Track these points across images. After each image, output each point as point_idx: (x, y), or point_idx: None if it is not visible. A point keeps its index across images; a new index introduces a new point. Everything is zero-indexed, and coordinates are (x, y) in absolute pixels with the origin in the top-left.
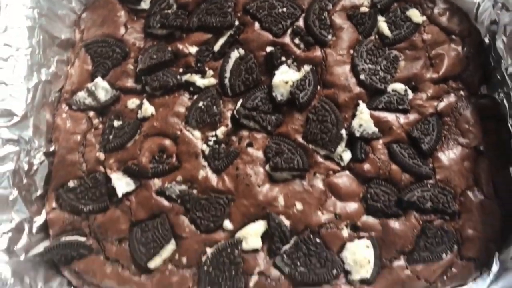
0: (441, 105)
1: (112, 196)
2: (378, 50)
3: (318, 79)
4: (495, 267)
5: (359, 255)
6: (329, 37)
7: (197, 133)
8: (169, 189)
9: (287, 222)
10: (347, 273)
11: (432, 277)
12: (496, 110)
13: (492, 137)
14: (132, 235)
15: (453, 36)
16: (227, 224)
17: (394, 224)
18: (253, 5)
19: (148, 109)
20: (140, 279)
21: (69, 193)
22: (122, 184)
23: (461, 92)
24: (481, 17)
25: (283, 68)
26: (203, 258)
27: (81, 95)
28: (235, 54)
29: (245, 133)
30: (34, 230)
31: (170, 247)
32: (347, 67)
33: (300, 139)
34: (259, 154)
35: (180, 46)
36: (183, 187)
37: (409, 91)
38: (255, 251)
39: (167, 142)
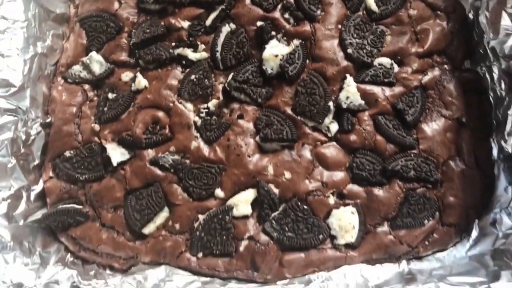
0: (426, 78)
1: (107, 165)
2: (365, 25)
3: (307, 53)
4: (474, 233)
5: (345, 221)
6: (318, 12)
7: (190, 105)
8: (162, 158)
9: (276, 190)
10: (333, 238)
11: (414, 242)
12: (478, 83)
13: (474, 110)
14: (127, 203)
15: (439, 12)
16: (219, 192)
17: (379, 191)
18: None
19: (141, 82)
20: (135, 244)
21: (65, 163)
22: (116, 154)
23: (445, 66)
24: None
25: (273, 42)
26: (195, 224)
27: (76, 68)
28: (226, 29)
29: (236, 105)
30: (32, 198)
31: (164, 214)
32: (335, 42)
33: (289, 111)
34: (250, 125)
35: (173, 21)
36: (176, 157)
37: (395, 65)
38: (245, 217)
39: (160, 114)
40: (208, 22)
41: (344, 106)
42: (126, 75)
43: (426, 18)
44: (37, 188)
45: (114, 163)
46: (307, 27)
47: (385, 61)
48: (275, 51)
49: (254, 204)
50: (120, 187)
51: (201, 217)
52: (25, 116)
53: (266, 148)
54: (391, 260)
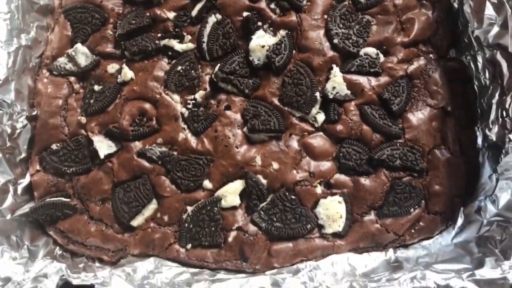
0: (411, 68)
1: (94, 158)
2: (351, 15)
3: (294, 44)
4: (459, 221)
5: (332, 211)
6: (304, 2)
7: (176, 97)
8: (149, 150)
9: (264, 181)
10: (320, 227)
11: (401, 230)
12: (463, 72)
13: (459, 98)
14: (114, 195)
15: (424, 1)
16: (207, 183)
17: (365, 181)
18: None
19: (127, 73)
20: (124, 237)
21: (52, 156)
22: (103, 146)
23: (431, 56)
24: None
25: (260, 32)
26: (184, 216)
27: (62, 60)
28: (212, 19)
29: (223, 96)
30: (19, 191)
31: (152, 206)
32: (321, 32)
33: (276, 101)
34: (237, 116)
35: (158, 12)
36: (164, 149)
37: (381, 55)
38: (234, 208)
39: (147, 105)
40: (194, 12)
41: (331, 96)
42: (112, 67)
43: (411, 7)
44: (24, 181)
45: (101, 156)
46: (293, 17)
47: (371, 51)
48: (262, 41)
49: (243, 195)
50: (108, 180)
51: (189, 208)
52: (10, 110)
53: (254, 139)
54: (378, 249)
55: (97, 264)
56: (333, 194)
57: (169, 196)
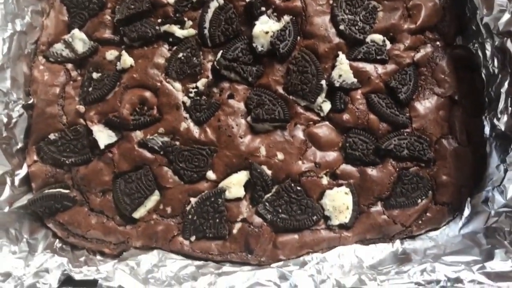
0: (418, 55)
1: (94, 148)
2: (357, 0)
3: (298, 30)
4: (466, 211)
5: (338, 202)
6: None
7: (178, 85)
8: (151, 140)
9: (268, 172)
10: (326, 219)
11: (408, 221)
12: (470, 60)
13: (466, 87)
14: (115, 187)
15: None
16: (210, 174)
17: (372, 171)
18: None
19: (127, 60)
20: (126, 229)
21: (50, 146)
22: (103, 136)
23: (438, 43)
24: None
25: (263, 18)
26: (187, 208)
27: (58, 47)
28: (214, 4)
29: (226, 84)
30: (16, 183)
31: (155, 197)
32: (327, 18)
33: (281, 90)
34: (241, 105)
35: None
36: (165, 138)
37: (387, 42)
38: (238, 199)
39: (148, 94)
40: None
41: (337, 84)
42: (111, 54)
43: None
44: (22, 172)
45: (101, 146)
46: (297, 2)
47: (378, 37)
48: (265, 27)
49: (247, 186)
50: (108, 171)
51: (193, 200)
52: (6, 98)
53: (258, 129)
54: (384, 240)
55: (98, 257)
56: (339, 185)
57: (172, 187)
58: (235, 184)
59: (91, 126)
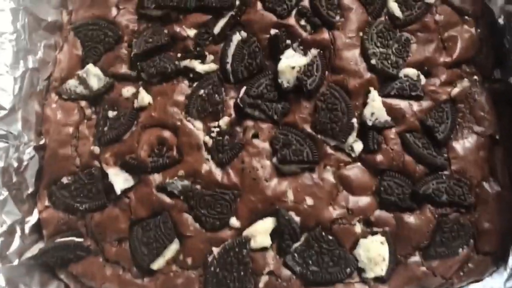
0: (455, 91)
1: (109, 193)
2: (388, 32)
3: (326, 64)
4: (511, 261)
5: (374, 252)
6: (337, 18)
7: (199, 124)
8: (170, 184)
9: (297, 218)
10: (360, 271)
11: (449, 273)
12: (510, 95)
13: (506, 124)
14: (132, 235)
15: (466, 17)
16: (234, 221)
17: (409, 218)
18: None
19: (145, 98)
20: (143, 282)
21: (62, 190)
22: (120, 180)
23: (475, 77)
24: None
25: (289, 52)
26: (210, 258)
27: (72, 83)
28: (237, 37)
29: (250, 123)
30: (26, 231)
31: (174, 246)
32: (357, 51)
33: (308, 129)
34: (266, 145)
35: (177, 29)
36: (186, 182)
37: (422, 76)
38: (264, 249)
39: (167, 133)
40: (217, 30)
41: (370, 123)
42: (128, 90)
43: (453, 24)
44: (32, 219)
45: (118, 191)
46: (325, 35)
47: (412, 72)
48: (292, 62)
49: (273, 234)
50: (125, 217)
51: (215, 250)
52: (17, 141)
53: (285, 171)
54: None
55: None
56: (374, 233)
57: (193, 235)
58: (261, 233)
59: (107, 169)
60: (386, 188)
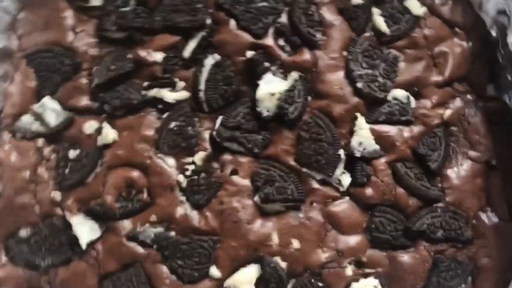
0: (447, 112)
1: (74, 244)
2: (375, 50)
3: (309, 89)
4: None
5: None
6: (318, 36)
7: (171, 161)
8: (142, 232)
9: (283, 264)
10: None
11: None
12: (506, 115)
13: (503, 148)
14: None
15: (457, 29)
16: (214, 271)
17: (403, 257)
18: None
19: (109, 133)
20: None
21: (21, 244)
22: (85, 230)
23: (468, 96)
24: (486, 6)
25: (268, 77)
26: None
27: (26, 119)
28: (209, 61)
29: (227, 157)
30: None
31: None
32: (341, 73)
33: (292, 162)
34: (246, 182)
35: (143, 53)
36: (159, 229)
37: (412, 99)
38: None
39: (136, 173)
40: (187, 53)
41: (358, 154)
42: (90, 126)
43: (443, 37)
44: None
45: (83, 245)
46: (306, 55)
47: (401, 94)
48: (271, 88)
49: (258, 283)
50: (93, 272)
51: None
52: None
53: (268, 210)
54: None
55: None
56: (366, 275)
57: None
58: (245, 283)
59: (70, 218)
60: (378, 225)
